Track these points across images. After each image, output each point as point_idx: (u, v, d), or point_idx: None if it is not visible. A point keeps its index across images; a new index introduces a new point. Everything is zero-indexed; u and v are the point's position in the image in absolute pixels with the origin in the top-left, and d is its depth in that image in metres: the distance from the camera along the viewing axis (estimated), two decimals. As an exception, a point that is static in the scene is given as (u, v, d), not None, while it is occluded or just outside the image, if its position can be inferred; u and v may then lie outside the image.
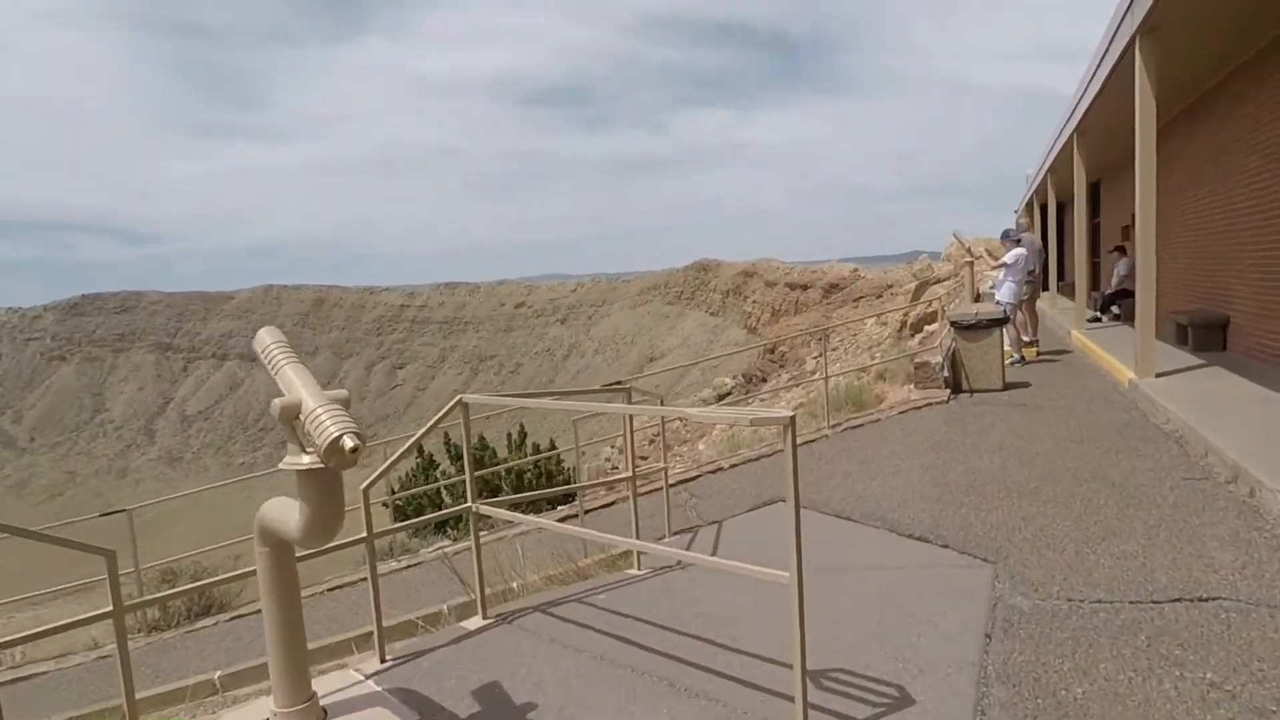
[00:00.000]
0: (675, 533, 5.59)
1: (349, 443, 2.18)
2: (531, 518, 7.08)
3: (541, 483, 11.50)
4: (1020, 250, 10.23)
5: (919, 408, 7.67)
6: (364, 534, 3.57)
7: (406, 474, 12.81)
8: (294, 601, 2.64)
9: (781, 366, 54.13)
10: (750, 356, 71.75)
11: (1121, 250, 14.60)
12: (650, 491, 6.88)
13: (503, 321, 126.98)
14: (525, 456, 12.21)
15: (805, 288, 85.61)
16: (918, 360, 8.49)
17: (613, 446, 63.48)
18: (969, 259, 11.51)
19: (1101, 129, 12.37)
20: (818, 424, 8.32)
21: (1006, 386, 8.47)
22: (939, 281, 37.54)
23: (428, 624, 4.69)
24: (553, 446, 13.55)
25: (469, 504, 3.72)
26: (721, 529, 5.47)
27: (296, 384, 2.45)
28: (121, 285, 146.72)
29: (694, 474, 7.10)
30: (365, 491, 3.48)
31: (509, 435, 13.03)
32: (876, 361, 30.61)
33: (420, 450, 12.73)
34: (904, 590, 3.74)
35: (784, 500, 5.88)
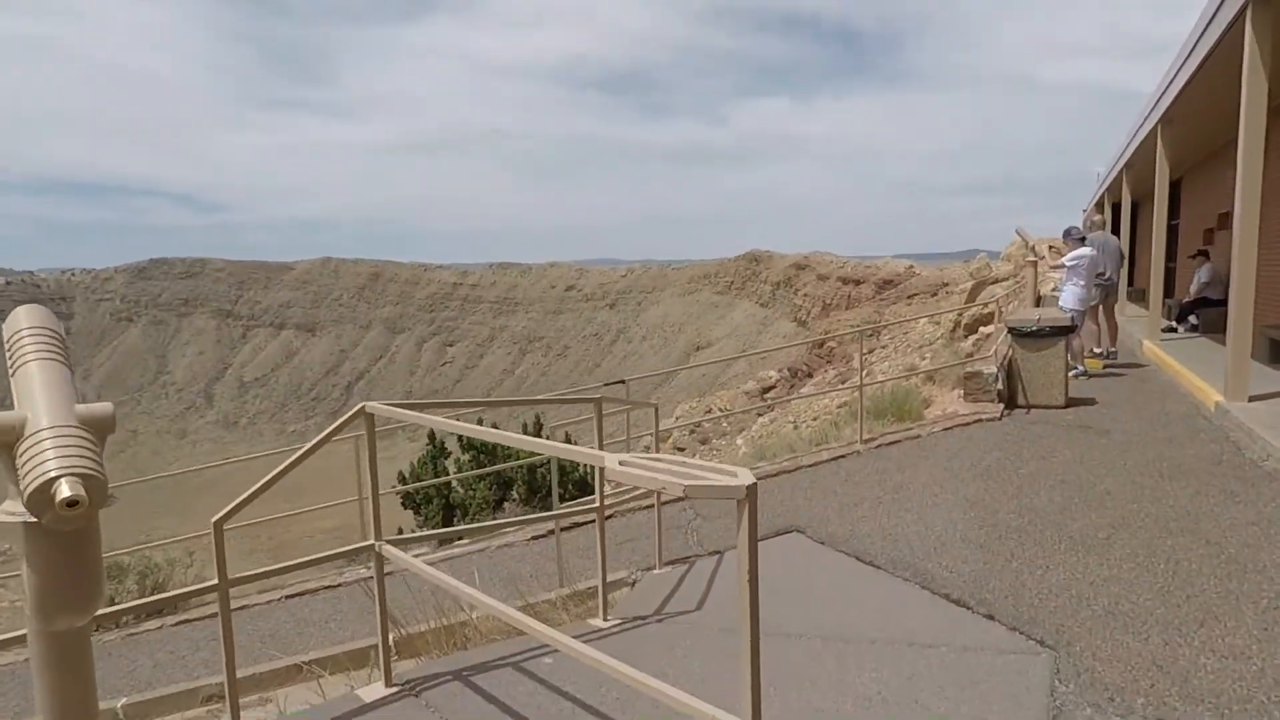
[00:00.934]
0: (669, 562, 4.81)
1: (65, 491, 1.40)
2: (437, 558, 6.27)
3: (558, 482, 10.80)
4: (1085, 251, 9.09)
5: (967, 424, 6.72)
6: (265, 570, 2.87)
7: (417, 461, 12.26)
8: (81, 683, 1.89)
9: (829, 362, 52.71)
10: (798, 350, 70.32)
11: (1204, 255, 13.24)
12: (663, 503, 6.11)
13: (552, 304, 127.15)
14: (534, 453, 11.52)
15: (858, 283, 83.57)
16: (968, 369, 7.51)
17: (651, 435, 62.79)
18: (1032, 259, 10.40)
19: (1192, 119, 11.09)
20: (851, 435, 7.42)
21: (1069, 403, 7.44)
22: (997, 281, 35.80)
23: (320, 668, 3.94)
24: (567, 440, 12.81)
25: (370, 542, 2.98)
26: (721, 562, 4.66)
27: (34, 391, 1.65)
28: (188, 251, 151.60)
29: (704, 488, 6.31)
30: (217, 524, 2.75)
31: (524, 426, 12.35)
32: (926, 363, 29.31)
33: (432, 436, 12.15)
34: (931, 685, 2.87)
35: (802, 531, 5.11)
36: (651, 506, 6.01)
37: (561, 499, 11.13)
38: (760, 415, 45.07)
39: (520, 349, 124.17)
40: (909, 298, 66.58)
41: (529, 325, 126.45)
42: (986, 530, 4.46)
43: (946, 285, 64.46)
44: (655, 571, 4.69)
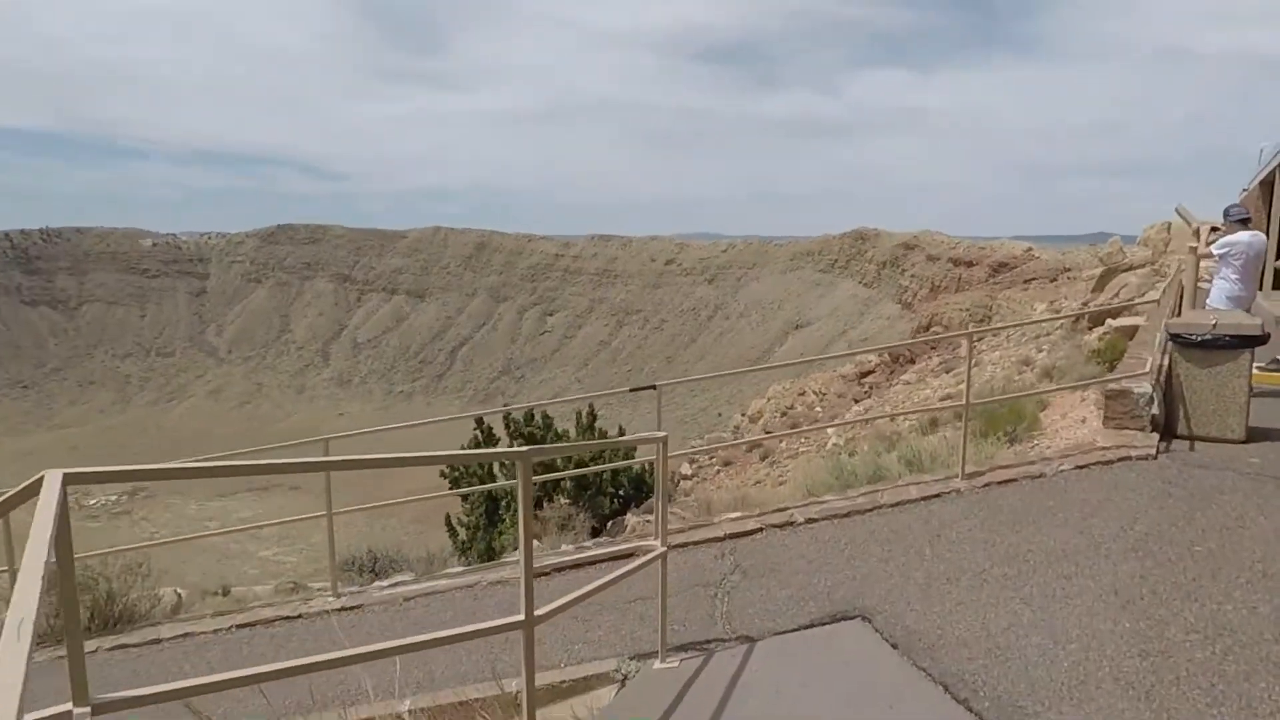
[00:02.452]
0: (673, 650, 3.51)
1: None
2: (416, 590, 4.97)
3: (604, 482, 9.63)
4: (1242, 237, 7.06)
5: (1109, 462, 5.08)
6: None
7: (468, 443, 11.37)
8: None
9: (933, 349, 49.55)
10: (901, 335, 66.82)
11: None
12: (699, 542, 4.81)
13: (651, 277, 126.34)
14: (588, 442, 10.35)
15: (970, 264, 78.74)
16: (1112, 387, 5.80)
17: (743, 414, 60.94)
18: (1194, 245, 8.37)
19: None
20: (950, 456, 5.88)
21: (1249, 437, 5.65)
22: (1131, 269, 32.13)
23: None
24: (621, 432, 11.56)
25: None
26: (748, 662, 3.33)
27: None
28: (311, 218, 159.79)
29: (750, 527, 4.93)
30: None
31: (578, 415, 11.22)
32: (1042, 356, 26.54)
33: (479, 422, 11.20)
34: None
35: (868, 619, 3.14)
36: (697, 545, 4.72)
37: (612, 500, 9.98)
38: (856, 401, 42.79)
39: (618, 321, 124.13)
40: (1025, 282, 61.98)
41: (627, 298, 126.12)
42: (1153, 661, 2.92)
43: (1069, 271, 59.54)
44: (655, 666, 3.40)
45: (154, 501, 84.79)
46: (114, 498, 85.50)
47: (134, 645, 4.76)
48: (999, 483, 5.01)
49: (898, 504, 4.89)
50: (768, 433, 43.96)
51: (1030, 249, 75.17)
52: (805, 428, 31.10)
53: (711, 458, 39.03)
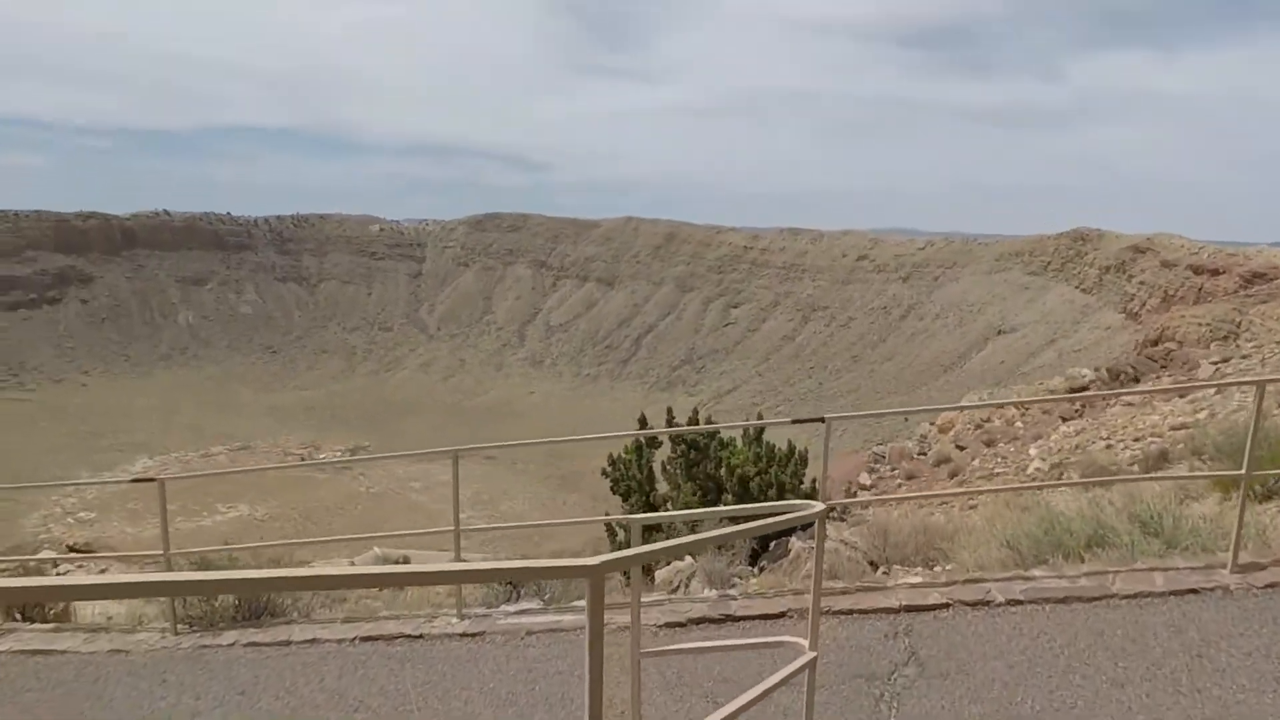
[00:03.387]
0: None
1: None
2: (542, 624, 4.24)
3: (768, 499, 8.84)
4: None
5: None
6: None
7: (626, 448, 10.96)
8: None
9: (1164, 367, 43.59)
10: (1123, 347, 59.78)
11: None
12: (867, 612, 3.97)
13: (841, 273, 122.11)
14: (753, 460, 9.58)
15: (1216, 273, 69.11)
16: None
17: (932, 423, 57.44)
18: None
19: None
20: (1201, 540, 4.59)
21: None
22: None
23: None
24: (790, 449, 10.56)
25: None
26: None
27: None
28: (514, 207, 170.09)
29: (934, 600, 4.00)
30: None
31: (744, 432, 10.43)
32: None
33: (642, 423, 10.75)
34: None
35: None
36: (891, 613, 3.89)
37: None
38: (1065, 420, 38.54)
39: (804, 316, 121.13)
40: (1286, 296, 53.35)
41: (815, 293, 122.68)
42: None
43: (1343, 283, 50.46)
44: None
45: (370, 461, 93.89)
46: (338, 454, 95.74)
47: (265, 644, 4.67)
48: (1289, 583, 3.74)
49: (1136, 596, 3.78)
50: (959, 446, 40.75)
51: (1294, 257, 64.94)
52: (1003, 445, 28.29)
53: (894, 469, 36.76)
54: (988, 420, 47.01)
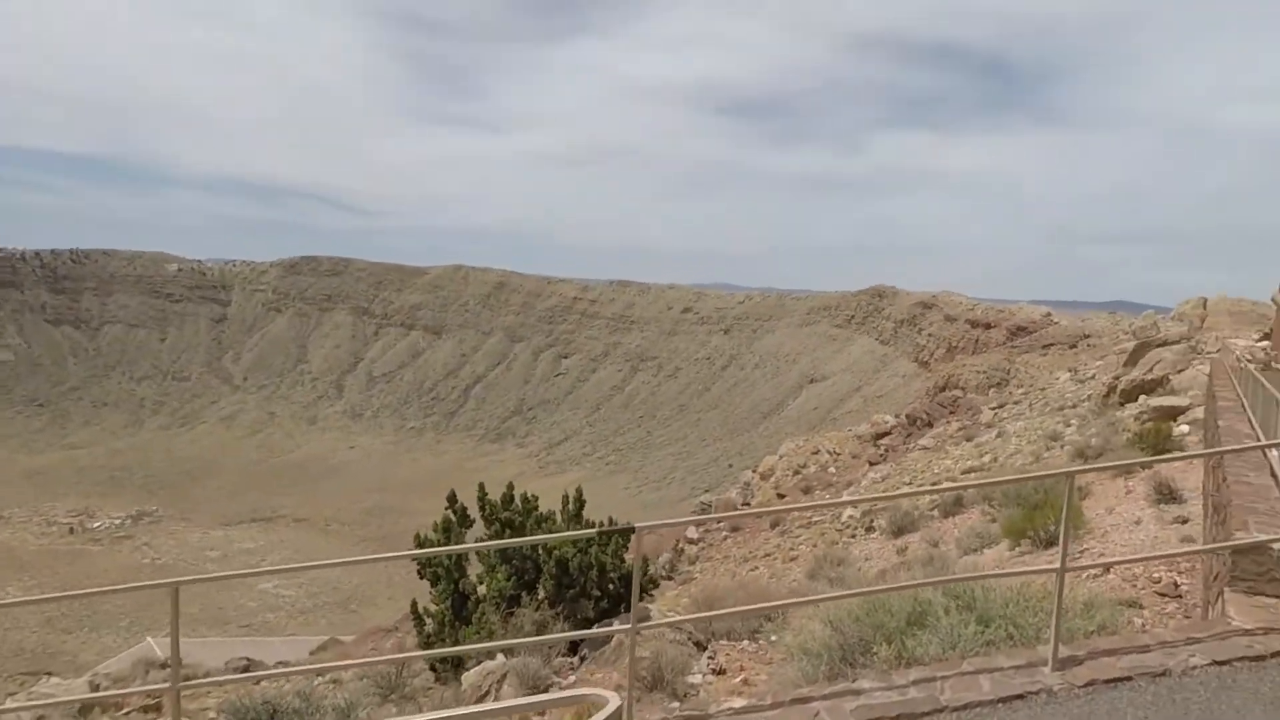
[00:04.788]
0: None
1: None
2: None
3: (589, 580, 8.25)
4: None
5: (1260, 658, 3.70)
6: None
7: (437, 524, 10.05)
8: None
9: (952, 412, 47.86)
10: (917, 393, 65.25)
11: None
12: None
13: (668, 324, 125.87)
14: (577, 529, 8.99)
15: (989, 326, 77.67)
16: (1240, 537, 4.42)
17: (754, 470, 59.28)
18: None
19: None
20: (1012, 621, 4.50)
21: None
22: (1164, 344, 30.60)
23: None
24: (611, 521, 10.11)
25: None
26: None
27: None
28: (334, 251, 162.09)
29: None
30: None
31: (565, 497, 9.86)
32: (1071, 430, 24.84)
33: (452, 500, 9.89)
34: None
35: None
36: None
37: (597, 603, 8.59)
38: (872, 464, 41.11)
39: (633, 366, 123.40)
40: (1044, 347, 60.47)
41: (643, 344, 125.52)
42: None
43: (1088, 338, 58.07)
44: None
45: (158, 527, 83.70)
46: (118, 521, 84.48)
47: None
48: (1106, 681, 3.63)
49: (966, 707, 3.53)
50: (780, 494, 42.31)
51: (1049, 314, 73.88)
52: (822, 502, 29.40)
53: (720, 522, 37.29)
54: (804, 466, 49.27)
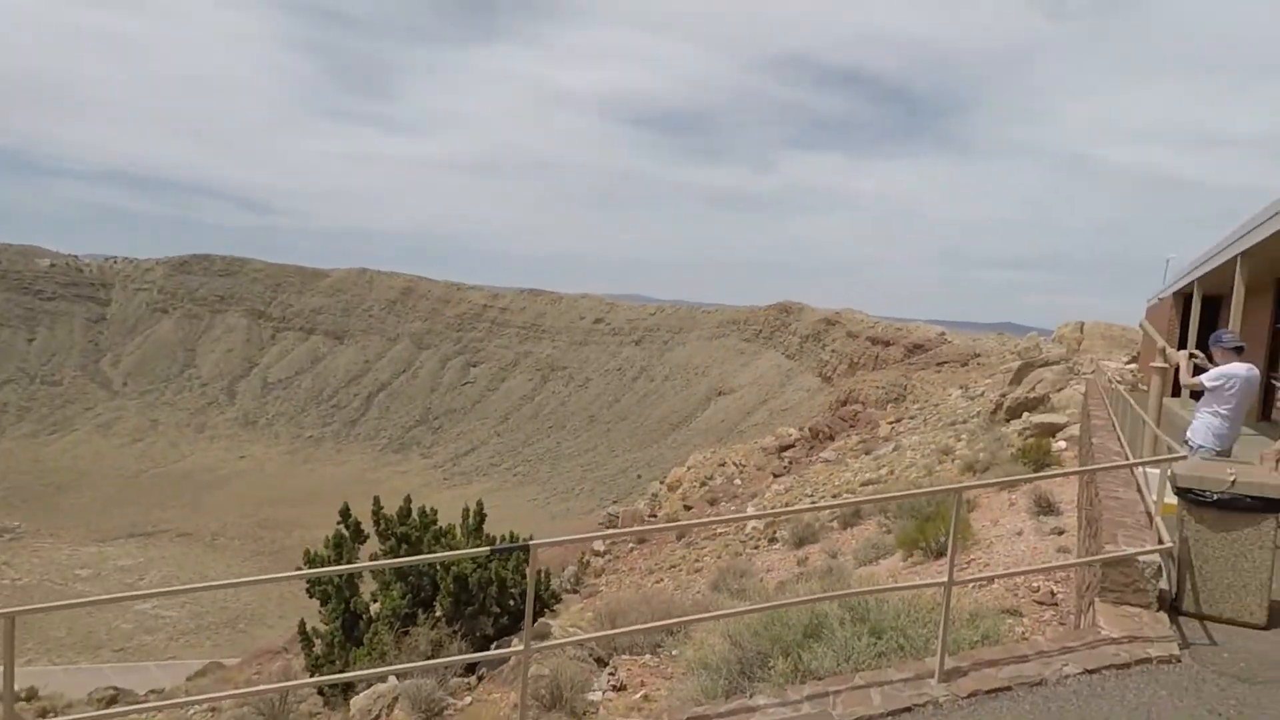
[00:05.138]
0: None
1: None
2: None
3: (488, 597, 8.04)
4: (1237, 369, 6.29)
5: (1125, 665, 3.92)
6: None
7: (329, 539, 9.62)
8: None
9: (852, 426, 49.54)
10: (820, 407, 67.19)
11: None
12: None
13: (579, 334, 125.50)
14: (472, 547, 8.75)
15: (888, 344, 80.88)
16: (1110, 551, 4.68)
17: (662, 482, 59.66)
18: (1161, 364, 7.58)
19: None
20: (918, 658, 4.63)
21: (1272, 622, 4.61)
22: (1046, 364, 32.61)
23: None
24: (512, 536, 9.92)
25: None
26: None
27: None
28: (230, 250, 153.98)
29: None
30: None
31: (466, 510, 9.62)
32: (961, 445, 26.06)
33: (345, 514, 9.50)
34: None
35: None
36: None
37: (496, 620, 8.39)
38: (776, 476, 42.03)
39: (543, 376, 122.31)
40: (939, 365, 63.42)
41: (554, 354, 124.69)
42: None
43: (978, 356, 61.29)
44: None
45: (20, 544, 77.14)
46: (-28, 536, 77.32)
47: None
48: (987, 691, 3.76)
49: (855, 721, 3.58)
50: (686, 506, 42.70)
51: (943, 333, 77.52)
52: (724, 516, 29.91)
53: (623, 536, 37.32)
54: (711, 478, 49.92)
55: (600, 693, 7.54)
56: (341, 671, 8.01)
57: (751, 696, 3.96)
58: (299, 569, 8.81)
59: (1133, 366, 24.40)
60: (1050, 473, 8.22)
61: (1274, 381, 13.26)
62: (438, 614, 8.21)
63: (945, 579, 3.89)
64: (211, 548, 79.71)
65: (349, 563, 8.83)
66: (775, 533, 21.78)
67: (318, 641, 8.94)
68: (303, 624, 9.29)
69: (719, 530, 26.07)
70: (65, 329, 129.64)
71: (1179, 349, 8.41)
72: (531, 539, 10.45)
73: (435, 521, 9.06)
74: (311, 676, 8.37)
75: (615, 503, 64.14)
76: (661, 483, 55.64)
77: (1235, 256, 14.17)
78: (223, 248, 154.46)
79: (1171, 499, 4.82)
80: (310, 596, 9.12)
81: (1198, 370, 6.71)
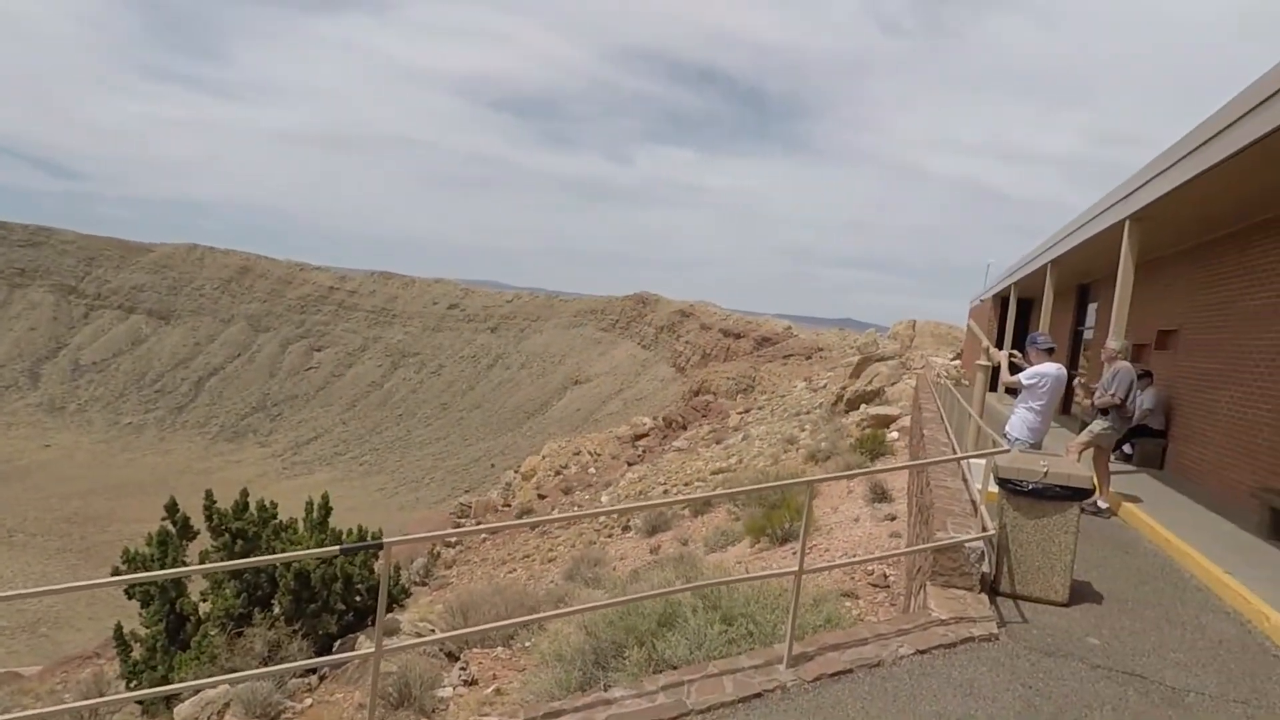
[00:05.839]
0: None
1: None
2: None
3: (333, 594, 7.63)
4: (1049, 368, 7.02)
5: (952, 645, 4.24)
6: None
7: (152, 537, 8.80)
8: None
9: (704, 416, 51.10)
10: (674, 397, 68.83)
11: (1148, 376, 11.69)
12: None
13: (433, 320, 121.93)
14: (315, 544, 8.30)
15: (739, 336, 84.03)
16: (940, 537, 5.05)
17: (516, 471, 59.03)
18: (985, 362, 8.28)
19: (1172, 215, 9.43)
20: (767, 644, 4.81)
21: (1072, 600, 5.13)
22: (882, 359, 34.98)
23: None
24: (361, 533, 9.49)
25: None
26: None
27: None
28: (34, 218, 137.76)
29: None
30: None
31: (309, 504, 9.09)
32: (805, 435, 27.44)
33: (171, 509, 8.73)
34: None
35: None
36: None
37: (340, 617, 7.99)
38: (630, 465, 42.66)
39: (393, 362, 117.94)
40: (785, 357, 66.63)
41: (405, 339, 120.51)
42: None
43: (821, 350, 64.95)
44: None
45: None
46: None
47: None
48: (831, 675, 3.95)
49: (710, 710, 3.66)
50: (541, 495, 42.52)
51: (790, 327, 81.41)
52: (587, 511, 30.09)
53: (478, 522, 36.71)
54: (565, 467, 49.95)
55: (451, 688, 7.36)
56: (164, 676, 7.33)
57: (607, 689, 3.96)
58: (117, 570, 7.98)
59: (957, 363, 26.53)
60: (893, 465, 8.76)
61: (1075, 379, 14.88)
62: (276, 613, 7.69)
63: (796, 568, 4.05)
64: (8, 544, 71.42)
65: (176, 561, 8.09)
66: (629, 521, 22.12)
67: (136, 646, 8.15)
68: (119, 628, 8.40)
69: (574, 522, 26.12)
70: None
71: (998, 348, 9.23)
72: (382, 534, 10.01)
73: (275, 516, 8.47)
74: (128, 684, 7.62)
75: (468, 492, 62.92)
76: (516, 471, 55.11)
77: (1046, 264, 15.72)
78: (24, 215, 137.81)
79: (994, 488, 5.26)
80: (129, 598, 8.29)
81: (1014, 369, 7.37)
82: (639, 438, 51.97)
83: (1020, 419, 6.98)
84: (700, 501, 18.22)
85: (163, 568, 7.98)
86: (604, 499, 31.41)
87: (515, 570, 20.56)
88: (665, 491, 28.28)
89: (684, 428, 51.07)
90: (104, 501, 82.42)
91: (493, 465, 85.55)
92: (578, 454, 52.72)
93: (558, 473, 48.61)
